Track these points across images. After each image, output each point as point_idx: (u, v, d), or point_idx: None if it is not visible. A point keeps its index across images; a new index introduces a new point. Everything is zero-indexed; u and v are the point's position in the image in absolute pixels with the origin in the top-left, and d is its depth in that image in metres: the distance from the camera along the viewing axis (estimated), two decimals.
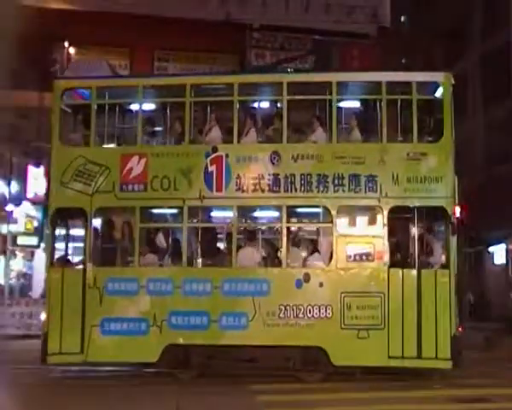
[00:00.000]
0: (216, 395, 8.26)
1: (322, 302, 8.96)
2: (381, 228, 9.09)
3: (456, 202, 9.76)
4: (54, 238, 9.71)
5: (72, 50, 25.11)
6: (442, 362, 8.80)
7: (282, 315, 9.00)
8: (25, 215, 22.17)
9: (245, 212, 9.62)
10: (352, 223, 9.52)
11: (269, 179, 9.26)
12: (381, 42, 27.52)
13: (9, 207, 20.86)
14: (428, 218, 9.42)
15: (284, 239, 9.19)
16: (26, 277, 24.40)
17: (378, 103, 9.48)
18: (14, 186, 22.11)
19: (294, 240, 9.58)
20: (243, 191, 9.30)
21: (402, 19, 33.49)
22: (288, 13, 27.74)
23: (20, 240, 22.47)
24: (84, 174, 9.57)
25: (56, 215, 9.67)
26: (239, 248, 9.38)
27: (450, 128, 9.19)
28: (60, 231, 9.93)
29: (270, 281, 9.11)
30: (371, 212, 9.29)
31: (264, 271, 9.29)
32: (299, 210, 9.68)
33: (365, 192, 9.11)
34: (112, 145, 9.91)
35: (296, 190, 9.21)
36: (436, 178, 9.07)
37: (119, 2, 24.55)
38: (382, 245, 9.02)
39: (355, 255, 9.17)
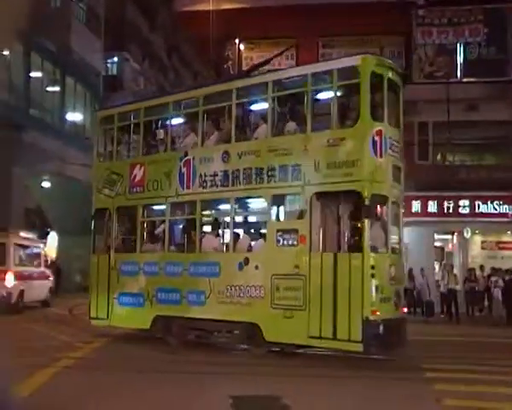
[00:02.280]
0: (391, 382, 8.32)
1: (256, 283, 9.91)
2: (304, 214, 9.55)
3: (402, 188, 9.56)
4: (95, 231, 12.88)
5: (242, 47, 27.72)
6: (354, 345, 8.85)
7: (228, 294, 10.27)
8: None
9: (206, 204, 11.10)
10: (283, 210, 10.11)
11: (221, 176, 10.62)
12: None
13: None
14: (355, 202, 9.38)
15: (231, 227, 10.44)
16: None
17: (308, 94, 9.85)
18: None
19: (244, 228, 10.65)
20: (204, 187, 10.87)
21: None
22: None
23: None
24: (109, 182, 12.47)
25: (96, 214, 12.82)
26: (204, 236, 10.99)
27: (367, 111, 9.07)
28: (100, 225, 12.93)
29: (220, 264, 10.48)
30: (297, 199, 9.76)
31: (216, 255, 10.67)
32: (248, 201, 10.69)
33: (291, 181, 9.70)
34: (126, 158, 12.53)
35: (240, 183, 10.35)
36: (352, 162, 9.09)
37: None
38: (305, 230, 9.48)
39: (283, 240, 9.77)
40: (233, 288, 10.21)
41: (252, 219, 11.09)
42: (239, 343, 10.34)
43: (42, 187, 21.96)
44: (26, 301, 17.43)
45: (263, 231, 10.32)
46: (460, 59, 25.00)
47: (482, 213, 22.64)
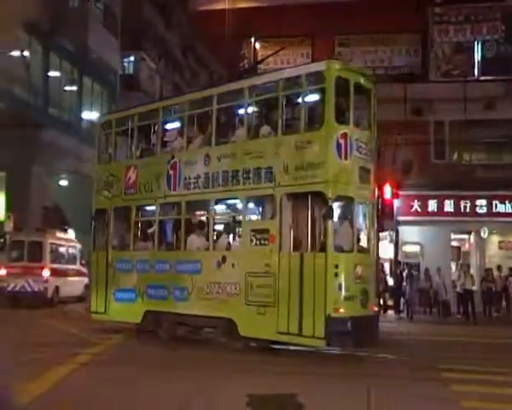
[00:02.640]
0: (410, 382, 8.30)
1: (232, 281, 10.35)
2: (274, 214, 9.93)
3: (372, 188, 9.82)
4: (95, 230, 13.62)
5: (257, 46, 27.47)
6: (317, 341, 9.19)
7: (208, 290, 10.76)
8: None
9: (190, 205, 11.59)
10: (256, 211, 10.52)
11: (202, 178, 11.13)
12: None
13: None
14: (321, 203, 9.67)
15: (211, 227, 10.95)
16: None
17: (280, 99, 10.22)
18: None
19: (223, 227, 11.12)
20: (188, 189, 11.42)
21: None
22: None
23: None
24: (108, 184, 13.20)
25: (96, 214, 13.56)
26: (189, 235, 11.52)
27: (331, 115, 9.38)
28: (99, 225, 13.65)
29: (201, 262, 10.99)
30: (268, 200, 10.15)
31: (198, 253, 11.17)
32: (226, 202, 11.15)
33: (264, 183, 10.10)
34: (122, 161, 13.21)
35: (219, 185, 10.84)
36: (317, 164, 9.42)
37: None
38: (275, 230, 9.87)
39: (256, 239, 10.20)
40: (212, 285, 10.69)
41: (230, 219, 11.51)
42: (219, 338, 10.81)
43: (59, 185, 22.86)
44: (61, 296, 18.81)
45: (239, 230, 10.76)
46: (477, 57, 24.68)
47: (499, 212, 22.39)
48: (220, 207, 11.32)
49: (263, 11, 26.23)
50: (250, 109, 10.60)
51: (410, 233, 23.76)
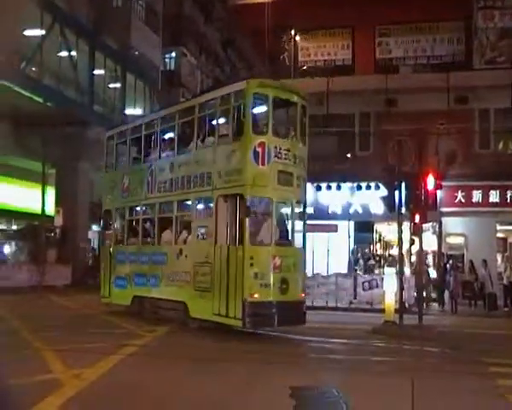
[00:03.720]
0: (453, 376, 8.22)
1: (186, 270, 12.20)
2: (212, 213, 11.60)
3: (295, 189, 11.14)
4: (103, 228, 16.08)
5: (297, 38, 27.83)
6: (237, 321, 10.74)
7: (171, 278, 12.71)
8: None
9: (162, 206, 13.54)
10: (201, 210, 12.20)
11: (168, 183, 13.08)
12: None
13: None
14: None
15: (174, 224, 12.84)
16: None
17: (217, 114, 11.84)
18: None
19: (183, 224, 12.93)
20: (160, 192, 13.41)
21: None
22: None
23: None
24: (112, 188, 15.59)
25: (104, 214, 16.02)
26: (163, 231, 13.50)
27: (248, 127, 10.84)
28: (106, 223, 16.11)
29: (167, 254, 12.93)
30: (209, 201, 11.83)
31: (166, 247, 13.11)
32: (184, 203, 12.92)
33: (205, 186, 11.82)
34: (120, 169, 15.51)
35: (179, 188, 12.72)
36: (239, 170, 10.98)
37: None
38: (212, 226, 11.54)
39: (200, 234, 11.98)
40: (173, 273, 12.62)
41: (187, 217, 13.25)
42: (179, 319, 12.66)
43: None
44: None
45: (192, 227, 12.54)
46: None
47: None
48: (181, 207, 13.15)
49: (302, 3, 25.75)
50: (199, 123, 12.32)
51: (453, 224, 23.44)
